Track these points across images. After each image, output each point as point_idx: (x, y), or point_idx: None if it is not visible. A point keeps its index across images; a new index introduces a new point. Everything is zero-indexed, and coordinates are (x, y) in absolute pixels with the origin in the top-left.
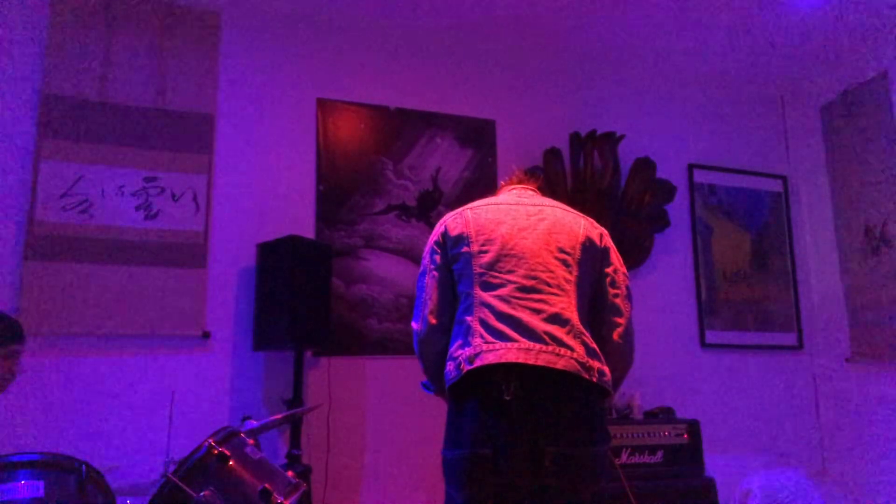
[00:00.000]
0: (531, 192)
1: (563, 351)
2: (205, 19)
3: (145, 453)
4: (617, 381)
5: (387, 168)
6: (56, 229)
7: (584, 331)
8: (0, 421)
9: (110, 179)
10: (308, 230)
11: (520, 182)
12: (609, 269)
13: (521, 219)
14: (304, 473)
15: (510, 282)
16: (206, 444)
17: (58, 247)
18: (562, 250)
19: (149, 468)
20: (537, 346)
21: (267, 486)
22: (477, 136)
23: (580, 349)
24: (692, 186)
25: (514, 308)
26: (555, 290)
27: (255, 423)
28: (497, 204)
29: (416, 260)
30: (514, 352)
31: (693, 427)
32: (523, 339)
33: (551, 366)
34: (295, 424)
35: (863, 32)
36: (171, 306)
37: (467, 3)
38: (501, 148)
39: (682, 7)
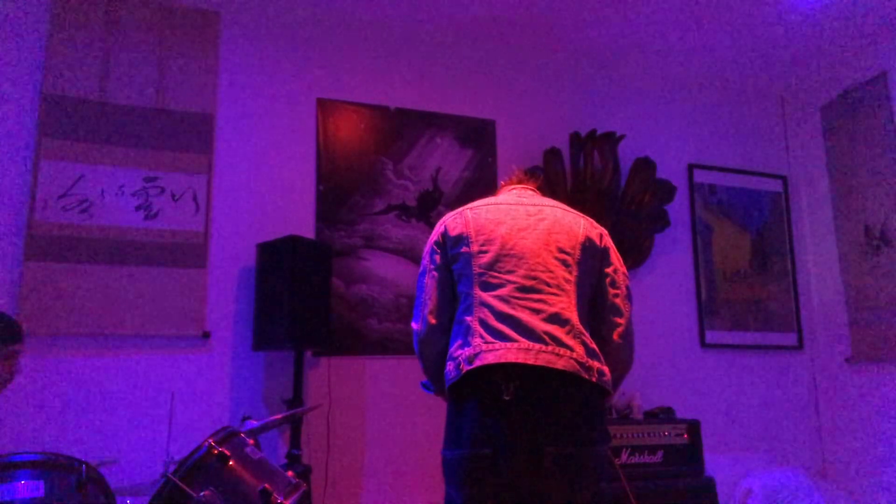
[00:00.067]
0: (531, 192)
1: (562, 351)
2: (205, 19)
3: (145, 453)
4: (617, 381)
5: (387, 168)
6: (56, 229)
7: (583, 331)
8: (0, 421)
9: (110, 179)
10: (308, 230)
11: (520, 182)
12: (609, 269)
13: (520, 219)
14: (304, 473)
15: (510, 282)
16: (206, 444)
17: (58, 247)
18: (561, 250)
19: (149, 468)
20: (537, 346)
21: (267, 486)
22: (477, 136)
23: (580, 349)
24: (692, 186)
25: (513, 308)
26: (554, 290)
27: (255, 423)
28: (497, 204)
29: (416, 260)
30: (513, 352)
31: (693, 427)
32: (523, 339)
33: (551, 366)
34: (295, 424)
35: (863, 32)
36: (171, 306)
37: (467, 3)
38: (501, 148)
39: (682, 7)
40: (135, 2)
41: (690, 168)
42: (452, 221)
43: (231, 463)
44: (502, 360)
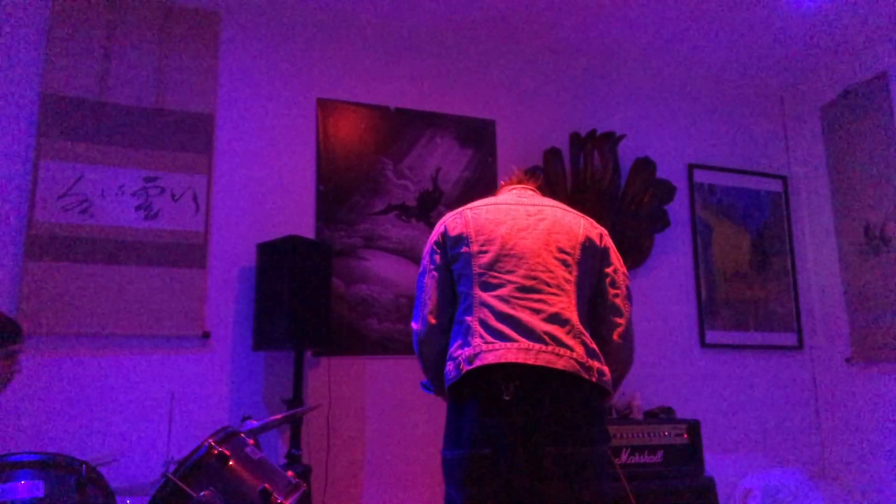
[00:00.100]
0: (531, 192)
1: (562, 351)
2: (205, 19)
3: (145, 453)
4: (617, 381)
5: (387, 168)
6: (56, 229)
7: (583, 331)
8: (0, 421)
9: (110, 179)
10: (308, 230)
11: (520, 182)
12: (609, 269)
13: (520, 219)
14: (304, 473)
15: (510, 282)
16: (206, 444)
17: (58, 247)
18: (561, 250)
19: (149, 468)
20: (537, 346)
21: (267, 486)
22: (477, 136)
23: (580, 349)
24: (692, 186)
25: (513, 308)
26: (554, 290)
27: (255, 423)
28: (497, 204)
29: (416, 260)
30: (513, 352)
31: (693, 427)
32: (523, 339)
33: (551, 366)
34: (295, 424)
35: (863, 32)
36: (171, 306)
37: (467, 3)
38: (501, 148)
39: (682, 7)
40: (135, 2)
41: (690, 168)
42: (452, 221)
43: (231, 463)
44: (502, 360)
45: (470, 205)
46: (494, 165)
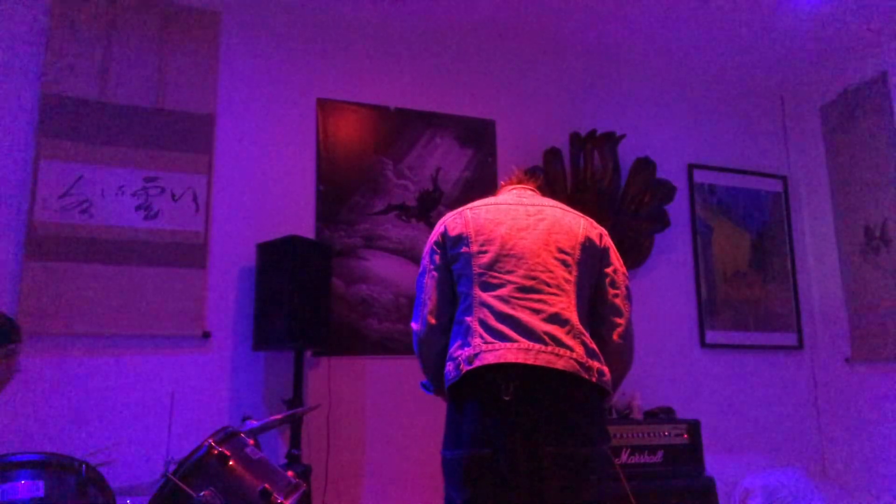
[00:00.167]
0: (531, 192)
1: (562, 351)
2: (205, 19)
3: (145, 453)
4: (616, 382)
5: (387, 168)
6: (56, 229)
7: (583, 331)
8: (0, 421)
9: (110, 179)
10: (308, 230)
11: (519, 182)
12: (609, 270)
13: (520, 219)
14: (304, 473)
15: (509, 282)
16: (206, 444)
17: (58, 247)
18: (561, 250)
19: (149, 468)
20: (537, 346)
21: (267, 486)
22: (477, 136)
23: (580, 349)
24: (692, 186)
25: (513, 308)
26: (554, 291)
27: (255, 423)
28: (497, 204)
29: (416, 260)
30: (513, 352)
31: (693, 427)
32: (523, 340)
33: (551, 366)
34: (295, 424)
35: (863, 32)
36: (171, 306)
37: (467, 3)
38: (501, 148)
39: (683, 7)
40: (135, 2)
41: (690, 168)
42: (452, 221)
43: (231, 463)
44: (502, 361)
45: (470, 205)
46: (494, 165)
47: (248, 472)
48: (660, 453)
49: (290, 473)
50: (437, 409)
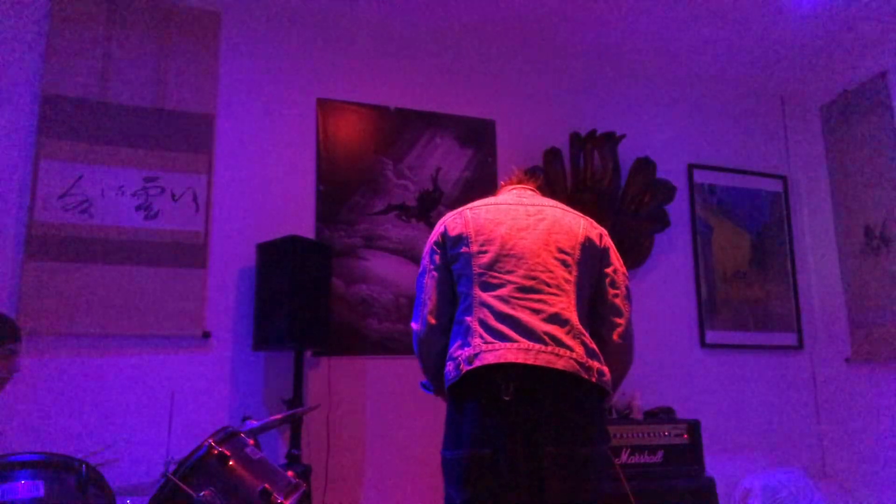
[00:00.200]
0: (531, 192)
1: (562, 351)
2: (205, 19)
3: (145, 453)
4: (616, 382)
5: (387, 168)
6: (56, 229)
7: (583, 331)
8: (0, 421)
9: (110, 179)
10: (308, 230)
11: (519, 182)
12: (609, 270)
13: (520, 219)
14: (304, 473)
15: (509, 282)
16: (206, 444)
17: (58, 247)
18: (561, 250)
19: (149, 468)
20: (537, 346)
21: (267, 486)
22: (477, 136)
23: (580, 349)
24: (692, 186)
25: (513, 308)
26: (554, 291)
27: (255, 423)
28: (496, 204)
29: (416, 260)
30: (513, 352)
31: (693, 427)
32: (523, 340)
33: (550, 366)
34: (295, 424)
35: (863, 32)
36: (171, 306)
37: (467, 3)
38: (501, 148)
39: (682, 7)
40: (135, 2)
41: (690, 168)
42: (452, 221)
43: (231, 463)
44: (502, 361)
45: (470, 205)
46: (494, 165)
47: (248, 472)
48: (660, 453)
49: (290, 473)
50: (437, 409)
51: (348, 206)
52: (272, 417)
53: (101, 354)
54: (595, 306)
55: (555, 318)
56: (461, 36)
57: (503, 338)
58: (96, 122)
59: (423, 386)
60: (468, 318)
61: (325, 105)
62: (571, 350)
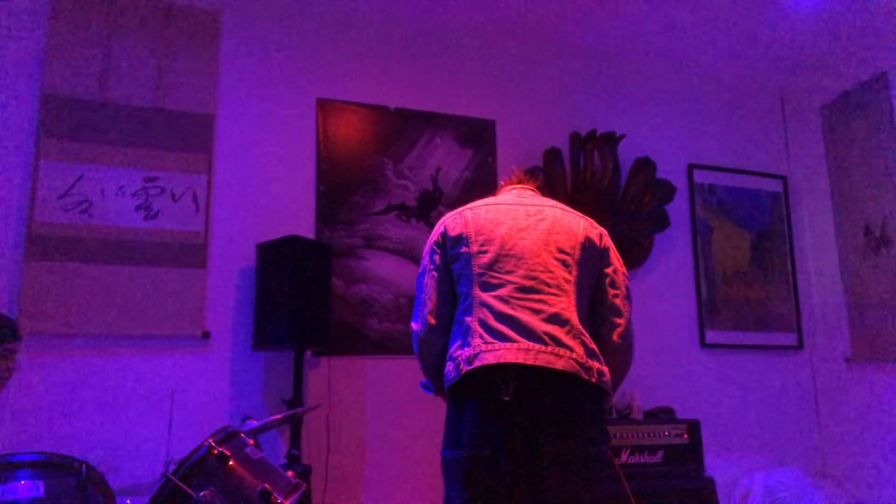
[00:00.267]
0: (531, 192)
1: (562, 351)
2: (205, 19)
3: (145, 453)
4: (616, 382)
5: (387, 168)
6: (56, 229)
7: (583, 331)
8: (0, 421)
9: (110, 179)
10: (308, 230)
11: (519, 182)
12: (609, 270)
13: (520, 219)
14: (304, 473)
15: (509, 282)
16: (206, 444)
17: (58, 247)
18: (561, 250)
19: (149, 468)
20: (536, 346)
21: (267, 486)
22: (477, 136)
23: (579, 349)
24: (692, 186)
25: (513, 308)
26: (554, 291)
27: (255, 423)
28: (496, 204)
29: (416, 260)
30: (513, 352)
31: (693, 427)
32: (523, 340)
33: (550, 366)
34: (295, 424)
35: (863, 32)
36: (171, 306)
37: (467, 3)
38: (501, 148)
39: (683, 7)
40: (135, 2)
41: (690, 168)
42: (452, 221)
43: (231, 463)
44: (502, 361)
45: (470, 205)
46: (494, 165)
47: (248, 472)
48: (660, 453)
49: (290, 473)
50: (437, 409)
51: (348, 206)
52: (272, 417)
53: (101, 354)
54: (595, 306)
55: (555, 319)
56: (461, 36)
57: (503, 338)
58: (96, 122)
59: (423, 386)
60: (468, 319)
61: (325, 105)
62: (571, 350)
